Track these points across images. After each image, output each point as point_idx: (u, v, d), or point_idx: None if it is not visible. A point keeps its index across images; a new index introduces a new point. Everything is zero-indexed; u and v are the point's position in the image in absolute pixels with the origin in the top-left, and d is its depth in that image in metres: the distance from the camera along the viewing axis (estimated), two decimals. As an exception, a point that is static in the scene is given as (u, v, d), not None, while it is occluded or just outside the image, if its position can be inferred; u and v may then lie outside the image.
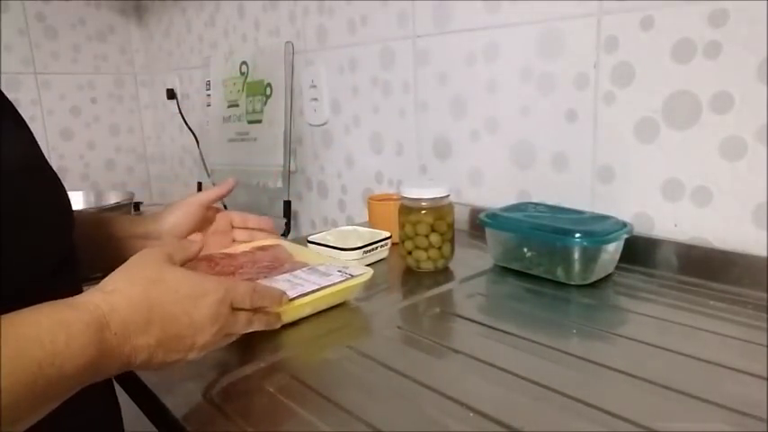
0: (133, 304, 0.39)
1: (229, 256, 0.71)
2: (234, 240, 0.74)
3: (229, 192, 0.73)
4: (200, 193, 0.71)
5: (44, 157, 0.49)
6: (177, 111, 1.70)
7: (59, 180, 0.49)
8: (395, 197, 0.86)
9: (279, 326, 0.52)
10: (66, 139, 1.78)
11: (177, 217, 0.69)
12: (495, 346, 0.51)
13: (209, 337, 0.42)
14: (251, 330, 0.48)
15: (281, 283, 0.59)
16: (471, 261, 0.75)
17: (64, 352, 0.33)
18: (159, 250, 0.45)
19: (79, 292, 0.50)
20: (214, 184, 1.50)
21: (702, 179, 0.66)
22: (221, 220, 0.73)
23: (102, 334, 0.36)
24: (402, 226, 0.72)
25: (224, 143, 1.42)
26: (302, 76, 1.21)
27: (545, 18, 0.78)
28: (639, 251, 0.68)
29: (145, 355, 0.39)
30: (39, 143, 0.49)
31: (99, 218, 0.69)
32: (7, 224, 0.39)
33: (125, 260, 0.47)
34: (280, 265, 0.67)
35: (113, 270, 0.44)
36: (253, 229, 0.74)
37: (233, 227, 0.74)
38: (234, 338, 0.47)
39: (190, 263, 0.68)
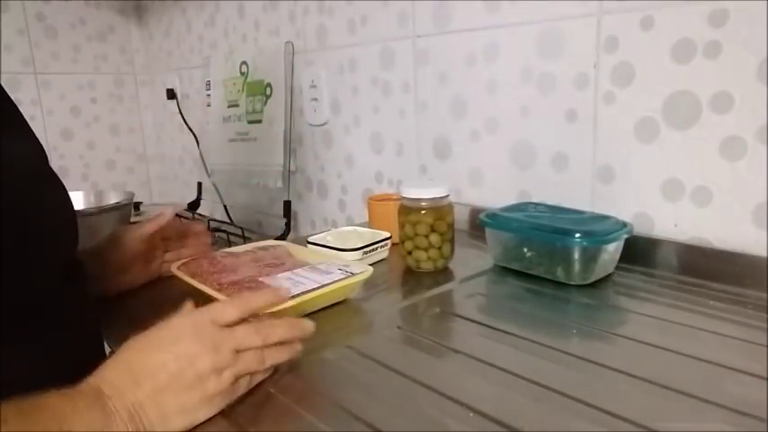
0: (116, 366, 0.39)
1: (231, 254, 0.71)
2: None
3: (166, 224, 0.71)
4: (137, 228, 0.70)
5: (48, 163, 0.50)
6: (177, 111, 1.70)
7: (63, 186, 0.50)
8: (395, 197, 0.86)
9: (299, 351, 0.47)
10: (66, 139, 1.78)
11: (122, 256, 0.68)
12: (495, 346, 0.51)
13: (211, 359, 0.40)
14: (270, 364, 0.45)
15: (282, 281, 0.59)
16: (471, 261, 0.75)
17: (71, 417, 0.35)
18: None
19: (88, 298, 0.51)
20: (214, 184, 1.50)
21: (702, 179, 0.66)
22: (162, 243, 0.74)
23: (102, 400, 0.37)
24: (402, 226, 0.72)
25: (224, 143, 1.42)
26: (302, 76, 1.21)
27: (545, 18, 0.78)
28: (639, 251, 0.68)
29: (154, 410, 0.38)
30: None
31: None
32: (17, 230, 0.39)
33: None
34: (281, 263, 0.67)
35: None
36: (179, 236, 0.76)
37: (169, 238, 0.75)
38: (250, 379, 0.44)
39: (190, 264, 0.68)
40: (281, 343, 0.45)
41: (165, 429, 0.38)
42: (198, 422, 0.40)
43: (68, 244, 0.48)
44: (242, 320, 0.44)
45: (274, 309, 0.54)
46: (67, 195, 0.50)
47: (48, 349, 0.44)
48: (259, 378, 0.45)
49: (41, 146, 0.49)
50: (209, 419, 0.41)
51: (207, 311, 0.43)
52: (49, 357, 0.44)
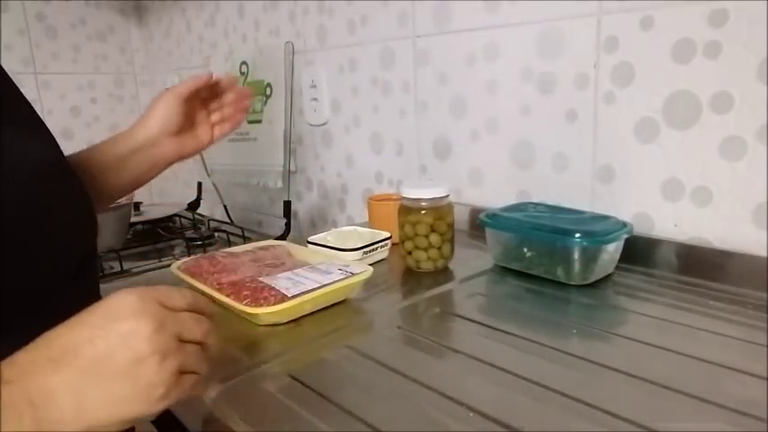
0: (34, 345, 0.33)
1: (231, 254, 0.71)
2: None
3: (206, 84, 0.70)
4: (174, 87, 0.69)
5: (65, 160, 0.49)
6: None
7: (80, 183, 0.49)
8: (395, 197, 0.86)
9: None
10: (66, 139, 1.78)
11: (161, 117, 0.67)
12: (495, 346, 0.51)
13: (153, 339, 0.33)
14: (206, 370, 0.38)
15: (282, 280, 0.59)
16: (471, 261, 0.75)
17: None
18: None
19: (96, 295, 0.50)
20: (214, 184, 1.50)
21: (702, 179, 0.66)
22: (202, 106, 0.72)
23: None
24: (402, 226, 0.72)
25: (224, 143, 1.42)
26: (302, 76, 1.21)
27: (545, 18, 0.78)
28: (639, 251, 0.68)
29: (67, 399, 0.31)
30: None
31: (87, 155, 0.66)
32: (27, 227, 0.39)
33: (138, 177, 0.47)
34: (281, 263, 0.68)
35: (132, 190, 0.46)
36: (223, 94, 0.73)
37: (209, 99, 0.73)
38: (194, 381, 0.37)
39: (190, 264, 0.68)
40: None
41: (81, 422, 0.31)
42: (127, 419, 0.33)
43: (82, 239, 0.48)
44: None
45: (274, 309, 0.54)
46: (80, 187, 0.49)
47: None
48: (198, 385, 0.38)
49: (55, 143, 0.50)
50: (205, 421, 0.41)
51: (153, 289, 0.36)
52: None
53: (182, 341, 0.35)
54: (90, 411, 0.31)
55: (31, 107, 0.50)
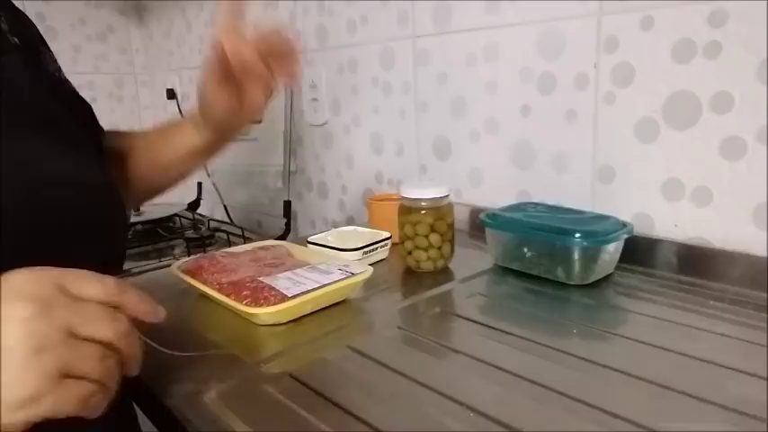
0: None
1: (231, 254, 0.71)
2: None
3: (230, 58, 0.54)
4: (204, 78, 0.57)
5: (87, 167, 0.49)
6: (177, 111, 1.70)
7: (100, 192, 0.49)
8: (395, 197, 0.86)
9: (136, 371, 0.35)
10: (66, 139, 1.78)
11: (207, 100, 0.57)
12: (495, 346, 0.51)
13: (32, 323, 0.28)
14: (116, 379, 0.32)
15: (282, 280, 0.59)
16: (471, 261, 0.75)
17: None
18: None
19: None
20: (214, 184, 1.50)
21: (702, 179, 0.66)
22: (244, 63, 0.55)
23: None
24: (402, 226, 0.72)
25: (224, 143, 1.42)
26: (302, 76, 1.21)
27: (545, 18, 0.78)
28: (639, 251, 0.68)
29: None
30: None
31: (165, 131, 0.64)
32: (20, 233, 0.39)
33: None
34: (281, 263, 0.68)
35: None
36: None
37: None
38: (84, 390, 0.29)
39: (191, 264, 0.68)
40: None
41: None
42: None
43: (103, 246, 0.48)
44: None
45: (274, 309, 0.54)
46: (107, 197, 0.49)
47: None
48: (99, 402, 0.31)
49: (85, 151, 0.50)
50: (205, 421, 0.41)
51: (60, 271, 0.31)
52: None
53: (74, 337, 0.29)
54: None
55: (71, 115, 0.50)
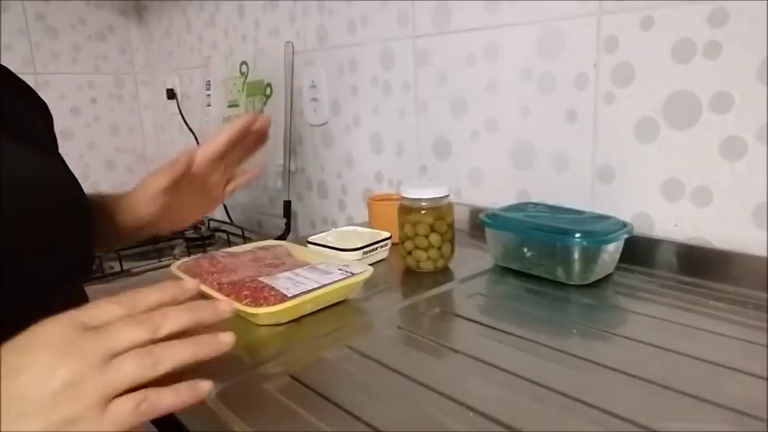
0: None
1: (231, 254, 0.71)
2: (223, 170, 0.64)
3: (187, 167, 0.59)
4: (155, 179, 0.60)
5: (59, 171, 0.49)
6: (177, 111, 1.70)
7: (73, 195, 0.49)
8: (395, 197, 0.86)
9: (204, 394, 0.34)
10: (66, 139, 1.78)
11: (147, 214, 0.60)
12: (495, 346, 0.51)
13: (65, 370, 0.29)
14: (170, 364, 0.32)
15: (282, 280, 0.59)
16: (471, 261, 0.75)
17: None
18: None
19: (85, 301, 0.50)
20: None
21: (702, 179, 0.66)
22: (195, 178, 0.62)
23: None
24: (402, 226, 0.72)
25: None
26: (302, 76, 1.21)
27: (545, 18, 0.78)
28: (639, 251, 0.68)
29: None
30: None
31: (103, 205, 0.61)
32: (14, 237, 0.39)
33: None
34: (281, 263, 0.67)
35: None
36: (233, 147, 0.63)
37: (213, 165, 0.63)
38: (147, 400, 0.31)
39: (190, 264, 0.68)
40: (184, 336, 0.33)
41: None
42: None
43: (70, 253, 0.47)
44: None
45: (274, 309, 0.54)
46: (76, 204, 0.49)
47: None
48: (166, 401, 0.32)
49: (56, 156, 0.49)
50: (205, 421, 0.41)
51: (80, 310, 0.32)
52: None
53: (113, 357, 0.30)
54: None
55: (39, 121, 0.50)
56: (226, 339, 0.35)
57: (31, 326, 0.31)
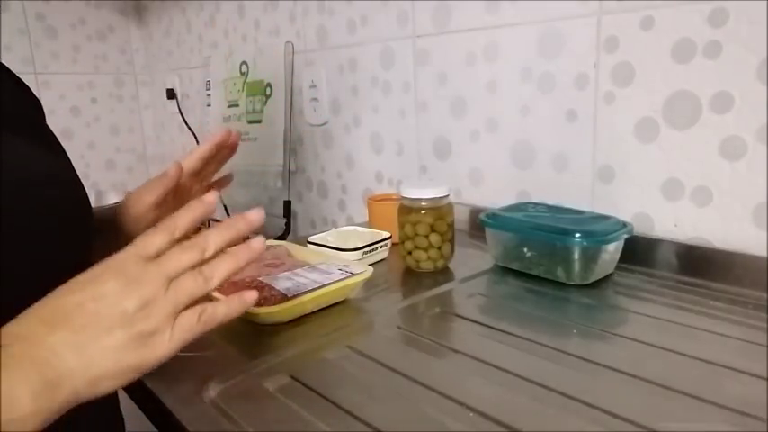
0: (24, 317, 0.35)
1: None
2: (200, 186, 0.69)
3: (177, 179, 0.63)
4: (147, 197, 0.62)
5: (64, 166, 0.49)
6: (177, 111, 1.70)
7: (76, 190, 0.49)
8: (395, 197, 0.86)
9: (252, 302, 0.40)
10: (66, 139, 1.78)
11: (135, 227, 0.62)
12: (495, 346, 0.51)
13: (136, 293, 0.35)
14: (219, 278, 0.38)
15: (282, 280, 0.59)
16: (471, 261, 0.75)
17: None
18: None
19: None
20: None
21: (702, 179, 0.66)
22: (176, 196, 0.65)
23: None
24: (402, 226, 0.72)
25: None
26: (302, 76, 1.21)
27: (545, 18, 0.78)
28: (639, 251, 0.68)
29: (71, 354, 0.33)
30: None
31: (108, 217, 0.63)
32: (16, 233, 0.39)
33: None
34: (281, 263, 0.67)
35: None
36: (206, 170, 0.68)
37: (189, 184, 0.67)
38: (205, 312, 0.38)
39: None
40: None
41: (89, 373, 0.34)
42: (134, 366, 0.35)
43: (73, 248, 0.48)
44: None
45: (274, 309, 0.54)
46: (77, 195, 0.49)
47: None
48: (221, 311, 0.39)
49: (59, 150, 0.50)
50: (205, 422, 0.41)
51: (131, 246, 0.38)
52: None
53: (173, 279, 0.37)
54: (95, 361, 0.34)
55: (37, 116, 0.50)
56: (256, 245, 0.40)
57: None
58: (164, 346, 0.36)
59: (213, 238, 0.39)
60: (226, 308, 0.39)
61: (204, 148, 0.67)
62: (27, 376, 0.32)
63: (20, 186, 0.41)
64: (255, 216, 0.40)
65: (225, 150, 0.70)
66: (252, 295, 0.39)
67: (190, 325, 0.37)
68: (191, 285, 0.37)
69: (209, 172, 0.71)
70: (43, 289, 0.40)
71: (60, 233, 0.44)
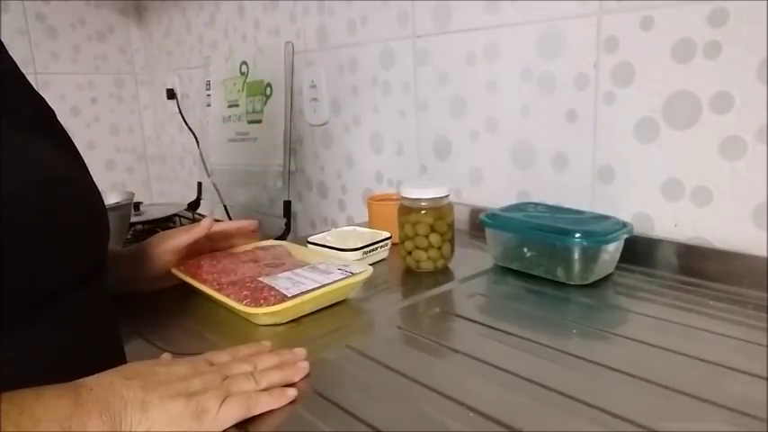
0: (107, 371, 0.41)
1: (231, 254, 0.71)
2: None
3: (207, 232, 0.69)
4: (171, 238, 0.67)
5: (77, 166, 0.50)
6: (177, 111, 1.70)
7: (93, 189, 0.49)
8: (395, 197, 0.86)
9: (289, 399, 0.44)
10: (66, 139, 1.78)
11: (151, 266, 0.67)
12: (495, 346, 0.51)
13: (199, 378, 0.42)
14: (266, 383, 0.44)
15: (282, 280, 0.59)
16: (471, 261, 0.75)
17: (33, 405, 0.34)
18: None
19: (109, 301, 0.51)
20: (214, 184, 1.50)
21: (702, 179, 0.66)
22: (201, 245, 0.71)
23: (77, 391, 0.37)
24: (402, 226, 0.72)
25: (224, 143, 1.42)
26: (302, 76, 1.21)
27: (545, 18, 0.78)
28: (639, 251, 0.68)
29: (137, 410, 0.38)
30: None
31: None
32: (32, 235, 0.39)
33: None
34: (281, 263, 0.67)
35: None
36: (234, 232, 0.75)
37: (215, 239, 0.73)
38: (251, 400, 0.42)
39: (190, 264, 0.68)
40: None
41: (147, 429, 0.38)
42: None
43: (91, 246, 0.48)
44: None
45: (274, 309, 0.54)
46: (93, 194, 0.49)
47: (48, 352, 0.44)
48: (263, 401, 0.43)
49: (73, 150, 0.51)
50: None
51: (202, 355, 0.47)
52: (49, 359, 0.43)
53: (229, 378, 0.43)
54: (154, 418, 0.38)
55: (52, 115, 0.51)
56: (304, 365, 0.48)
57: (55, 318, 0.41)
58: (210, 421, 0.40)
59: (267, 360, 0.47)
60: (269, 399, 0.43)
61: (234, 225, 0.75)
62: (100, 417, 0.36)
63: (45, 186, 0.41)
64: (302, 355, 0.49)
65: (245, 236, 0.77)
66: (293, 392, 0.44)
67: (235, 408, 0.41)
68: (241, 382, 0.43)
69: (223, 244, 0.76)
70: (52, 286, 0.40)
71: (79, 232, 0.45)
